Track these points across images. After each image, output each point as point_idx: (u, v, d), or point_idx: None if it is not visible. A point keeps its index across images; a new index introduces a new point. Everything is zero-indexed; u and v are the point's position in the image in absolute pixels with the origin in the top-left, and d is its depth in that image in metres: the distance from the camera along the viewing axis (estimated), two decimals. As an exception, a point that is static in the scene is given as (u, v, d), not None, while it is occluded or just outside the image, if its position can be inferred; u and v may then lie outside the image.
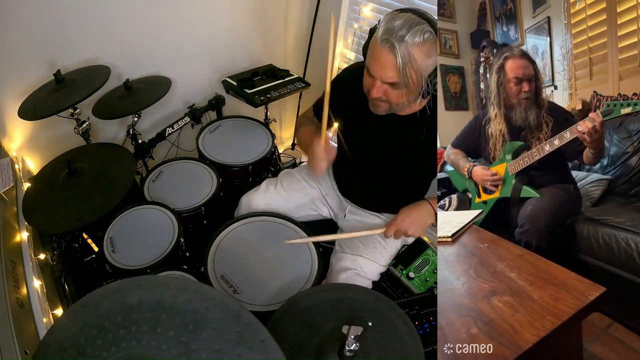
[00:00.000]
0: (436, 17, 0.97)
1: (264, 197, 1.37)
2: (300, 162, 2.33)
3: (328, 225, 1.42)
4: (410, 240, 1.36)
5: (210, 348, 0.49)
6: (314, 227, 1.34)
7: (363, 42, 1.92)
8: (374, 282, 1.26)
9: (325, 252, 1.28)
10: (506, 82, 1.39)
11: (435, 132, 1.12)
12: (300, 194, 1.38)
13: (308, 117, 1.37)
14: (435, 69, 0.97)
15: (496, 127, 1.42)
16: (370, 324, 0.71)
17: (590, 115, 1.15)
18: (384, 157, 1.18)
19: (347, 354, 0.73)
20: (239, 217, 1.31)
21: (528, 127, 1.38)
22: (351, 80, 1.16)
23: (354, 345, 0.72)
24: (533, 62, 1.38)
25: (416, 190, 1.25)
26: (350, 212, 1.35)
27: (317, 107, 1.31)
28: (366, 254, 1.22)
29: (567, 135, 1.21)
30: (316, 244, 1.23)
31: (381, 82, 0.97)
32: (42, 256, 1.27)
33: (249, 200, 1.37)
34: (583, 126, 1.16)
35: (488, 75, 2.05)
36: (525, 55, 1.39)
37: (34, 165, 1.63)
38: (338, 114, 1.18)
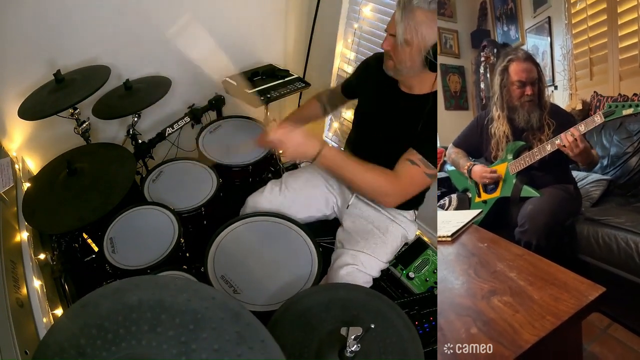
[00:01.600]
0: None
1: (269, 199, 1.37)
2: (300, 162, 2.33)
3: (328, 226, 1.42)
4: (411, 237, 1.37)
5: (210, 348, 0.49)
6: (314, 227, 1.34)
7: (363, 42, 1.94)
8: (374, 280, 1.27)
9: (325, 252, 1.28)
10: (509, 84, 1.39)
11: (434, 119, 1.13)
12: (304, 194, 1.39)
13: (324, 94, 1.51)
14: (436, 44, 1.04)
15: (499, 128, 1.43)
16: (372, 325, 0.71)
17: (571, 129, 1.17)
18: (394, 137, 1.20)
19: (348, 355, 0.73)
20: (238, 217, 1.31)
21: (530, 129, 1.38)
22: (375, 64, 1.24)
23: (355, 346, 0.72)
24: (537, 65, 1.39)
25: None
26: (352, 205, 1.35)
27: (345, 86, 1.44)
28: (366, 250, 1.23)
29: (568, 136, 1.22)
30: (316, 243, 1.24)
31: (388, 35, 1.07)
32: (42, 256, 1.27)
33: (255, 202, 1.38)
34: (564, 139, 1.17)
35: (489, 76, 2.06)
36: (529, 58, 1.40)
37: (34, 165, 1.64)
38: (360, 91, 1.34)
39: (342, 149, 1.45)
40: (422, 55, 1.05)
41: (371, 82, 1.26)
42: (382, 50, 1.14)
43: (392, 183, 1.12)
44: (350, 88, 1.43)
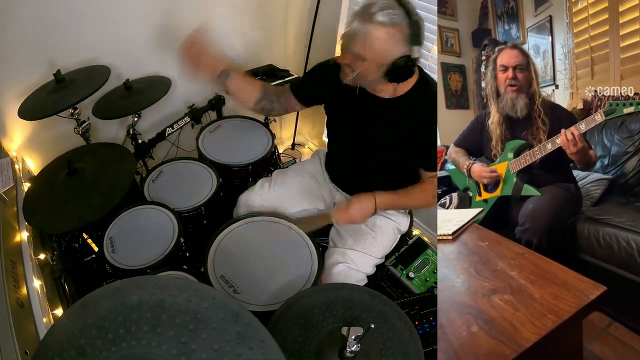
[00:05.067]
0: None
1: (259, 195, 1.38)
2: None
3: (328, 225, 1.41)
4: (404, 228, 1.37)
5: (210, 348, 0.49)
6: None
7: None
8: (372, 280, 1.26)
9: (325, 251, 1.28)
10: (496, 72, 1.42)
11: (433, 122, 1.12)
12: (295, 188, 1.39)
13: (263, 83, 1.37)
14: (405, 58, 0.98)
15: (493, 118, 1.44)
16: (372, 325, 0.71)
17: (571, 128, 1.17)
18: (369, 139, 1.19)
19: (348, 354, 0.73)
20: (239, 217, 1.31)
21: (515, 116, 1.39)
22: (333, 70, 1.17)
23: (355, 346, 0.72)
24: (525, 54, 1.41)
25: (403, 178, 1.23)
26: (339, 202, 1.35)
27: (297, 87, 1.33)
28: (356, 247, 1.23)
29: (569, 135, 1.21)
30: (316, 243, 1.23)
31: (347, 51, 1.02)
32: (42, 256, 1.26)
33: (246, 199, 1.39)
34: (563, 135, 1.18)
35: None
36: (516, 46, 1.43)
37: (34, 165, 1.63)
38: (325, 97, 1.27)
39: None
40: (382, 68, 1.00)
41: (335, 86, 1.18)
42: None
43: (433, 188, 1.21)
44: (304, 91, 1.32)
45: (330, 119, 1.32)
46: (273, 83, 1.88)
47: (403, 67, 1.00)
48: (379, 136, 1.17)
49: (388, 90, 1.11)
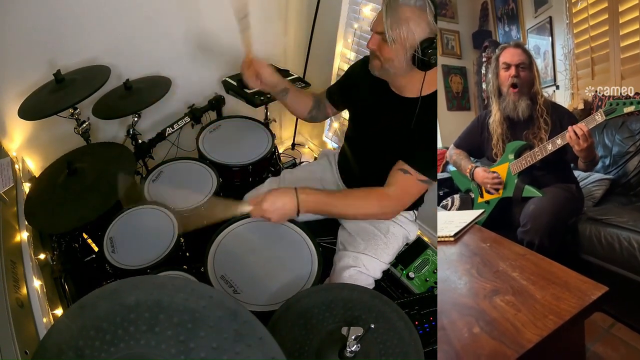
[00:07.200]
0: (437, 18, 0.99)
1: None
2: (301, 162, 2.33)
3: (328, 226, 1.42)
4: (412, 237, 1.36)
5: (208, 346, 0.48)
6: (313, 226, 1.33)
7: (363, 42, 1.94)
8: (375, 281, 1.26)
9: (325, 251, 1.28)
10: (499, 70, 1.42)
11: (434, 122, 1.12)
12: None
13: (313, 93, 1.46)
14: (429, 40, 0.99)
15: (495, 117, 1.44)
16: (372, 325, 0.70)
17: (578, 124, 1.17)
18: (386, 141, 1.18)
19: (348, 354, 0.73)
20: (238, 217, 1.31)
21: (517, 118, 1.38)
22: (362, 68, 1.20)
23: (355, 346, 0.72)
24: (528, 54, 1.41)
25: None
26: None
27: (329, 91, 1.40)
28: (368, 251, 1.22)
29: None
30: (316, 243, 1.23)
31: (374, 33, 1.06)
32: (42, 256, 1.27)
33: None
34: (571, 132, 1.17)
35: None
36: (519, 45, 1.43)
37: (34, 165, 1.64)
38: (349, 98, 1.30)
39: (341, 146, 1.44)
40: (409, 52, 1.01)
41: (361, 85, 1.23)
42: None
43: (384, 199, 1.11)
44: (334, 94, 1.38)
45: (353, 118, 1.33)
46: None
47: (429, 51, 1.00)
48: (400, 135, 1.13)
49: (413, 89, 1.10)
